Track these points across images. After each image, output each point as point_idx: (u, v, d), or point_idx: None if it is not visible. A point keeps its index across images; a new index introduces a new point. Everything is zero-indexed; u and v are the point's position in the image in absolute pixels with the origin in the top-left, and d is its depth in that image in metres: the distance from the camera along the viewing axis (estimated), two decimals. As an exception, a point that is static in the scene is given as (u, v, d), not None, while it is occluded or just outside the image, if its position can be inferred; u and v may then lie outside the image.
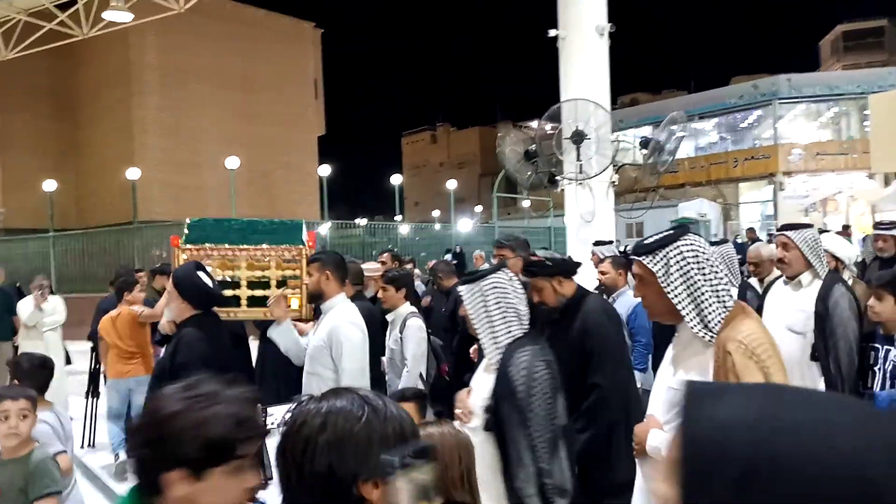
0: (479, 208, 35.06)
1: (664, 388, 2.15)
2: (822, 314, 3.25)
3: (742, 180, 27.30)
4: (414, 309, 4.43)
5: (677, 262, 1.98)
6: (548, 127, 6.84)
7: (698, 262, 1.98)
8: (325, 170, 18.81)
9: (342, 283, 3.44)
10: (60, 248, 15.95)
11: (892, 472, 0.55)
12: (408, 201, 65.51)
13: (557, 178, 6.80)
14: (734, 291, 4.24)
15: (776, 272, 4.13)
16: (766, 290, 3.77)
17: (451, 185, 22.33)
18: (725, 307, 1.98)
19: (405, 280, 4.54)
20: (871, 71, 28.24)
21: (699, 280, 1.96)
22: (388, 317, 4.47)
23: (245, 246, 3.76)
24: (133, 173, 18.14)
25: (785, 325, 3.38)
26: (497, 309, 2.54)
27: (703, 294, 1.96)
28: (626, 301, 4.51)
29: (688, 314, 1.98)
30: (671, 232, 2.07)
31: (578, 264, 3.35)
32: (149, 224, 16.71)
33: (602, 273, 4.77)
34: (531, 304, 2.74)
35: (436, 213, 31.25)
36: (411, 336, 4.22)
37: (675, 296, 1.98)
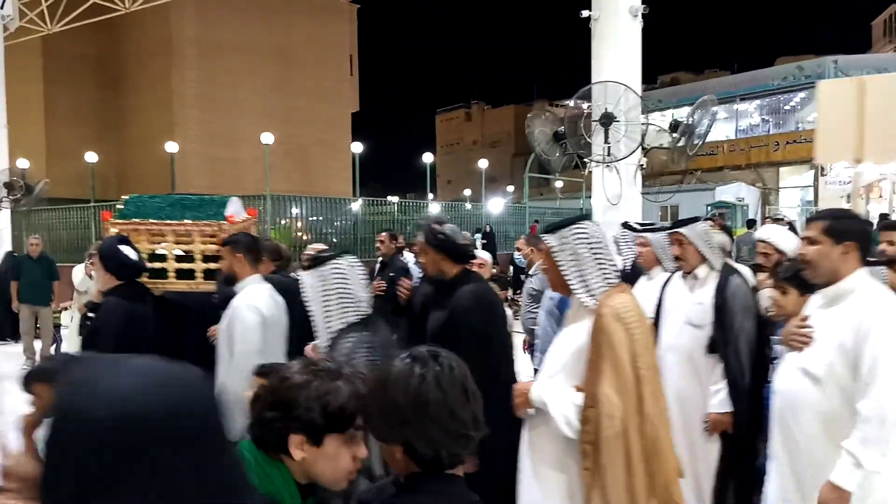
0: (510, 188, 34.93)
1: (553, 347, 2.56)
2: (721, 306, 3.27)
3: (783, 164, 26.64)
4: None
5: (570, 242, 2.40)
6: (578, 108, 6.83)
7: (589, 244, 2.39)
8: (358, 147, 18.92)
9: (255, 263, 3.45)
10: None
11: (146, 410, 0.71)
12: (440, 179, 65.55)
13: (585, 160, 6.79)
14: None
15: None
16: (664, 286, 3.67)
17: (483, 164, 22.27)
18: (609, 283, 2.38)
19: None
20: (923, 53, 27.22)
21: (587, 258, 2.38)
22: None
23: (169, 221, 3.86)
24: (171, 146, 18.47)
25: (684, 319, 3.40)
26: (335, 294, 2.58)
27: (588, 270, 2.38)
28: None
29: (575, 286, 2.39)
30: (571, 218, 2.50)
31: (471, 255, 3.34)
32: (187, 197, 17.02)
33: (518, 250, 4.91)
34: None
35: (467, 192, 31.22)
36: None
37: (566, 270, 2.40)
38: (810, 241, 2.45)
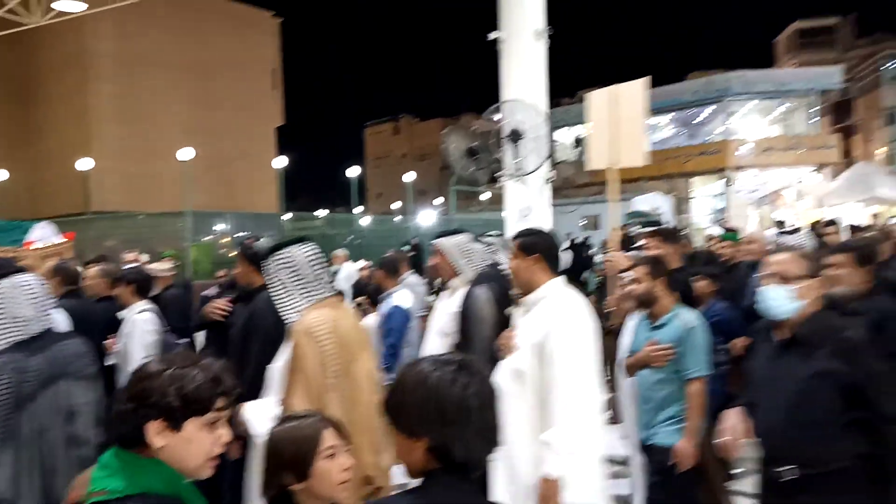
0: (439, 200, 35.29)
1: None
2: (463, 315, 3.46)
3: (694, 174, 28.00)
4: (147, 306, 4.35)
5: (273, 266, 2.63)
6: (489, 124, 7.11)
7: (289, 267, 2.60)
8: (282, 160, 18.83)
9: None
10: (8, 239, 15.64)
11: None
12: (370, 192, 65.36)
13: (497, 174, 7.06)
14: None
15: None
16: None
17: (410, 177, 22.51)
18: (311, 300, 2.58)
19: (132, 277, 4.46)
20: (818, 69, 29.19)
21: (289, 281, 2.60)
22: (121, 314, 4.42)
23: None
24: (86, 163, 17.87)
25: (436, 329, 3.67)
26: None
27: (290, 291, 2.59)
28: (388, 303, 4.95)
29: (280, 305, 2.61)
30: (286, 241, 2.72)
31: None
32: (102, 215, 16.52)
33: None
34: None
35: (397, 205, 31.42)
36: (134, 333, 4.17)
37: (274, 291, 2.62)
38: (512, 256, 2.80)
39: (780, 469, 2.33)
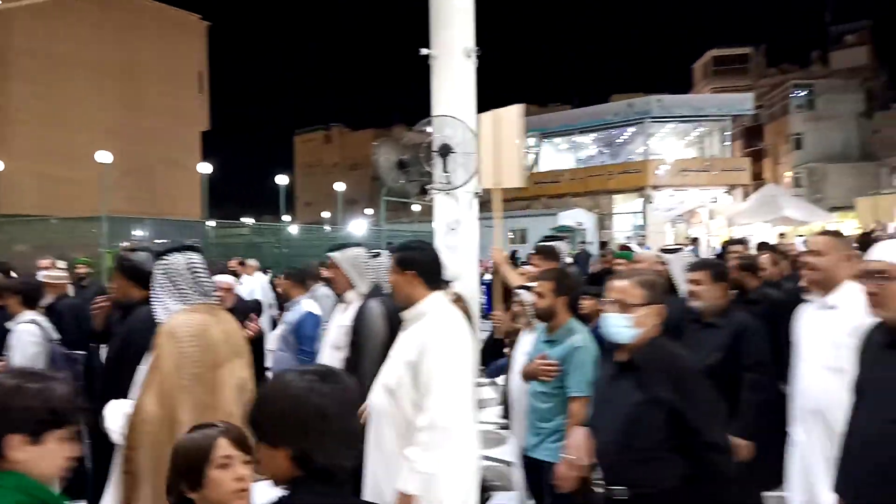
0: (370, 211, 35.23)
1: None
2: (355, 329, 3.48)
3: (616, 192, 29.09)
4: (33, 317, 4.28)
5: (158, 269, 2.71)
6: (419, 138, 7.26)
7: (165, 272, 2.69)
8: (207, 166, 18.43)
9: None
10: None
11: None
12: (299, 201, 64.47)
13: (427, 187, 7.21)
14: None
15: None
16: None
17: (341, 186, 22.44)
18: (184, 304, 2.65)
19: (18, 287, 4.41)
20: (730, 96, 30.92)
21: (166, 285, 2.68)
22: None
23: None
24: (-4, 163, 16.97)
25: (330, 342, 3.72)
26: None
27: (167, 294, 2.66)
28: (298, 310, 4.93)
29: (155, 307, 2.67)
30: (174, 247, 2.80)
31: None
32: (12, 218, 15.73)
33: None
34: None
35: (327, 215, 31.17)
36: (17, 345, 4.14)
37: (153, 294, 2.70)
38: (391, 271, 2.83)
39: (613, 489, 2.41)
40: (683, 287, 4.07)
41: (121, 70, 26.01)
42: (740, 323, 3.39)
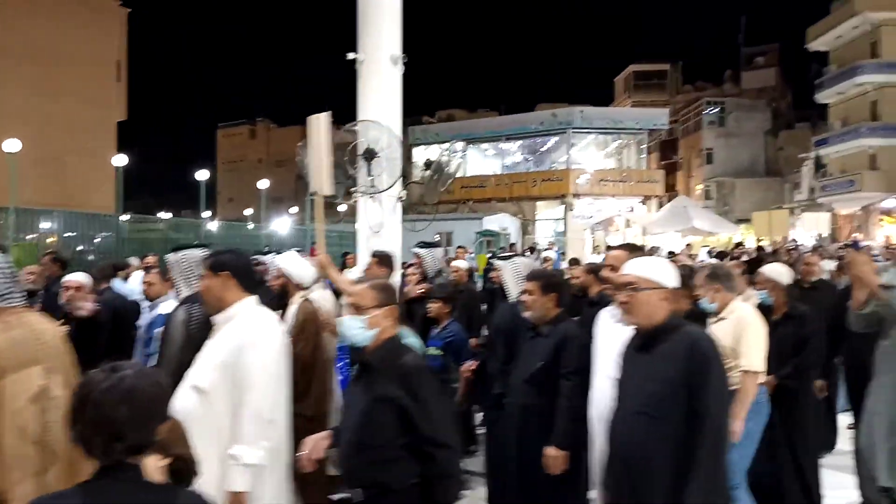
0: (295, 209, 34.77)
1: None
2: (162, 334, 3.49)
3: (539, 199, 29.85)
4: None
5: None
6: (344, 141, 7.33)
7: None
8: (123, 158, 17.79)
9: None
10: None
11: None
12: (221, 197, 62.79)
13: (351, 190, 7.29)
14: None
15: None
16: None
17: (265, 183, 22.11)
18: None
19: None
20: (647, 110, 32.30)
21: None
22: None
23: None
24: None
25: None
26: None
27: None
28: (165, 307, 4.64)
29: None
30: None
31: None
32: None
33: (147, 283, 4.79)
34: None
35: (250, 212, 30.55)
36: None
37: None
38: (203, 276, 2.85)
39: (350, 490, 2.47)
40: (514, 294, 4.27)
41: (34, 55, 24.69)
42: (564, 332, 3.52)
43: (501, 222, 26.86)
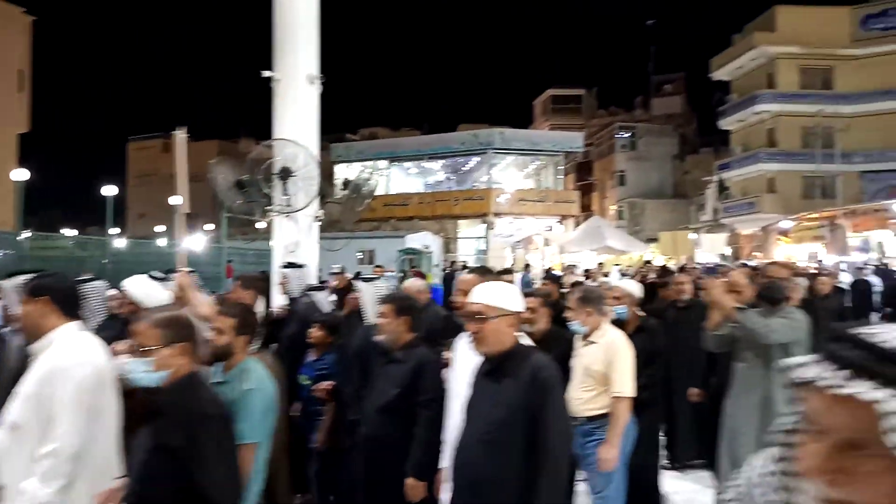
0: (211, 226, 33.72)
1: None
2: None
3: (461, 217, 30.23)
4: None
5: None
6: (259, 160, 7.26)
7: None
8: (24, 172, 16.83)
9: None
10: None
11: None
12: (131, 213, 60.15)
13: (266, 209, 7.22)
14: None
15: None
16: None
17: (177, 199, 21.32)
18: None
19: None
20: (563, 133, 33.38)
21: None
22: None
23: None
24: None
25: None
26: None
27: None
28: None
29: None
30: None
31: None
32: None
33: None
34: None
35: (163, 228, 29.42)
36: None
37: None
38: (22, 301, 2.71)
39: None
40: (372, 317, 4.17)
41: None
42: (420, 358, 3.41)
43: (424, 240, 26.99)
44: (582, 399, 3.79)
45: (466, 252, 30.28)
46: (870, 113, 29.83)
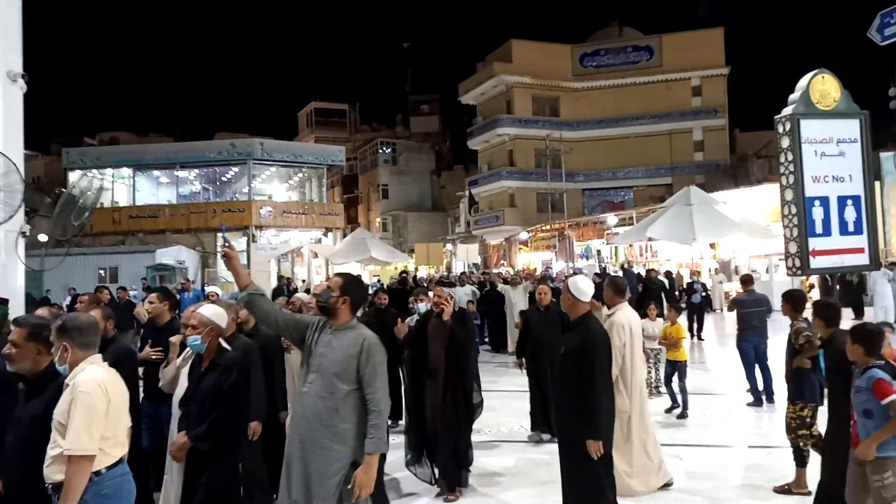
0: None
1: None
2: None
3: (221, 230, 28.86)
4: None
5: None
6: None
7: None
8: None
9: None
10: None
11: None
12: None
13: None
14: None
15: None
16: None
17: None
18: None
19: None
20: (325, 146, 33.64)
21: None
22: None
23: None
24: None
25: None
26: None
27: None
28: None
29: None
30: None
31: None
32: None
33: None
34: None
35: None
36: None
37: None
38: None
39: None
40: None
41: None
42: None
43: (178, 255, 25.29)
44: None
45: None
46: (589, 139, 34.79)
